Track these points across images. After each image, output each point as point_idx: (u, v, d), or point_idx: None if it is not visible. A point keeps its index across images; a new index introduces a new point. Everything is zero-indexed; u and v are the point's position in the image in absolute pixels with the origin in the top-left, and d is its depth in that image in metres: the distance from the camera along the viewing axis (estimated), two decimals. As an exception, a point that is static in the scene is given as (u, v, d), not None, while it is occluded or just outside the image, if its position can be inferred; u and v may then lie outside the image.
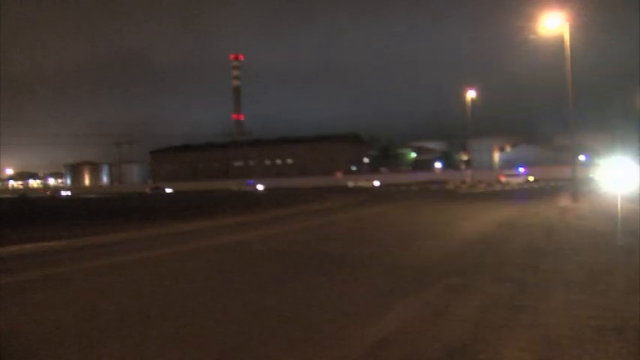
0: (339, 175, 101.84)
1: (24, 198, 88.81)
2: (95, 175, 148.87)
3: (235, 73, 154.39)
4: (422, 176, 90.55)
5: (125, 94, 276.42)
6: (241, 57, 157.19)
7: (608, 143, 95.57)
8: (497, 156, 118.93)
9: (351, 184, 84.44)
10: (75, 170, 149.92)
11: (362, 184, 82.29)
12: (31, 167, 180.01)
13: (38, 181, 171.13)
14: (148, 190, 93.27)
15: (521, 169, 70.10)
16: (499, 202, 30.08)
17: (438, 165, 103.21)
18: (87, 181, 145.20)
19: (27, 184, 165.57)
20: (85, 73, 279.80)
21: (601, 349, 4.69)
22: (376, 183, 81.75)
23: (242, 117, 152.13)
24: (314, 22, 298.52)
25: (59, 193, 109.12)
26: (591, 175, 58.23)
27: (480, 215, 20.82)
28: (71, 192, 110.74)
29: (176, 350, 5.13)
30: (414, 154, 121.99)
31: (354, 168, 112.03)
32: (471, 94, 59.40)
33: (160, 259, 11.57)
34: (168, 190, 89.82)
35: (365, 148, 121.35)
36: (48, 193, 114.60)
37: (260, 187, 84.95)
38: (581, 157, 74.95)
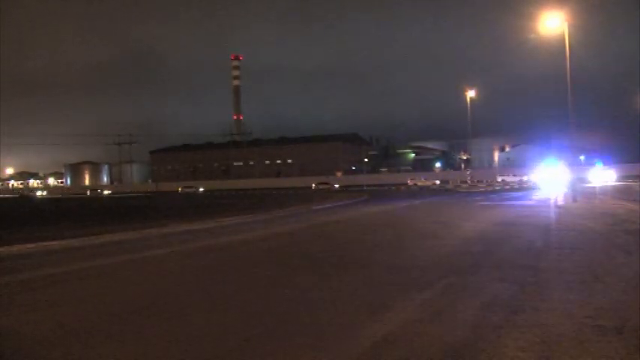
0: (338, 175, 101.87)
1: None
2: (95, 175, 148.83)
3: (235, 73, 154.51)
4: (422, 176, 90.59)
5: (125, 94, 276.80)
6: (241, 57, 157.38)
7: (606, 143, 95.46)
8: (497, 156, 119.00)
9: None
10: (75, 170, 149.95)
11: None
12: (31, 167, 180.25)
13: (38, 181, 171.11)
14: (314, 185, 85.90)
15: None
16: (497, 202, 30.12)
17: (437, 165, 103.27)
18: (87, 181, 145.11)
19: (27, 183, 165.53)
20: (85, 73, 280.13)
21: (601, 349, 4.68)
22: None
23: (242, 117, 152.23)
24: (314, 22, 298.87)
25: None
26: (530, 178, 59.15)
27: (478, 215, 20.84)
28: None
29: (175, 350, 5.13)
30: (413, 154, 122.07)
31: (354, 168, 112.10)
32: (471, 94, 59.47)
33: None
34: (336, 185, 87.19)
35: (365, 148, 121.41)
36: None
37: (437, 181, 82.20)
38: (582, 158, 74.76)
